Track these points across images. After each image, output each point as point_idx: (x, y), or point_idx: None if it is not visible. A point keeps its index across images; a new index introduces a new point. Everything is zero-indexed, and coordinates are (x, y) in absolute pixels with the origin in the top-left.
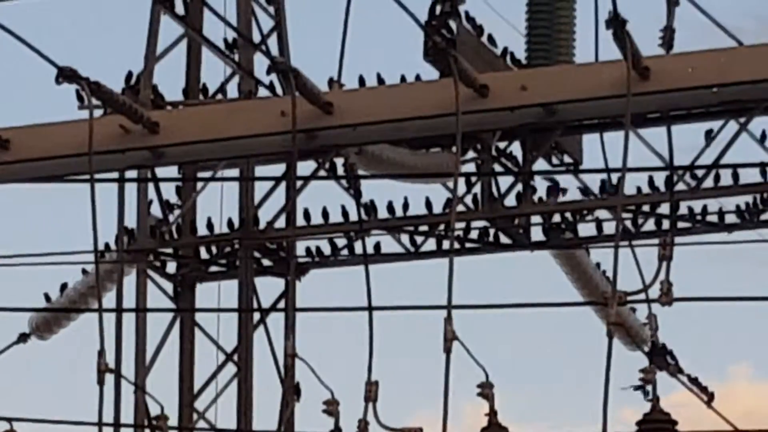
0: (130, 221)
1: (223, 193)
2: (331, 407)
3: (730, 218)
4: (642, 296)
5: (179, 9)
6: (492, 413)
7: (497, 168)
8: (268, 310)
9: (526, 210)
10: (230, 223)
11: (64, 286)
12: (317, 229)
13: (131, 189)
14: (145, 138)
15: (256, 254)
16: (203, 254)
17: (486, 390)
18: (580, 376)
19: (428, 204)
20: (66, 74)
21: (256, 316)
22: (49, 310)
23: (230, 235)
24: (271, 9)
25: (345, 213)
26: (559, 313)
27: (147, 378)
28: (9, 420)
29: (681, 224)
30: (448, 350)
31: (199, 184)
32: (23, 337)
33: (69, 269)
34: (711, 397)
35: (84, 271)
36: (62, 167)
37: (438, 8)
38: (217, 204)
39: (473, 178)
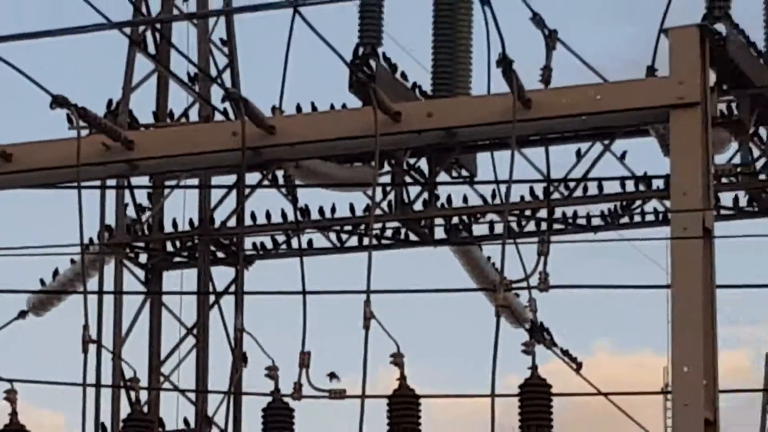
0: (110, 220)
1: (186, 198)
2: (272, 372)
3: (596, 221)
4: (524, 284)
5: (151, 49)
6: (402, 378)
7: (407, 179)
8: (221, 293)
9: (431, 213)
10: (191, 222)
11: (56, 273)
12: (261, 228)
13: (111, 194)
14: (123, 153)
15: (212, 248)
16: (169, 247)
17: (397, 359)
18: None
19: (352, 208)
20: (58, 101)
21: (212, 298)
22: (44, 292)
23: (191, 232)
24: (226, 49)
25: (284, 215)
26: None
27: (123, 348)
28: (10, 381)
29: (556, 226)
30: (366, 327)
31: (166, 191)
32: (22, 314)
33: (60, 259)
34: (579, 365)
35: (72, 261)
36: (55, 176)
37: (360, 50)
38: (180, 207)
39: (388, 188)
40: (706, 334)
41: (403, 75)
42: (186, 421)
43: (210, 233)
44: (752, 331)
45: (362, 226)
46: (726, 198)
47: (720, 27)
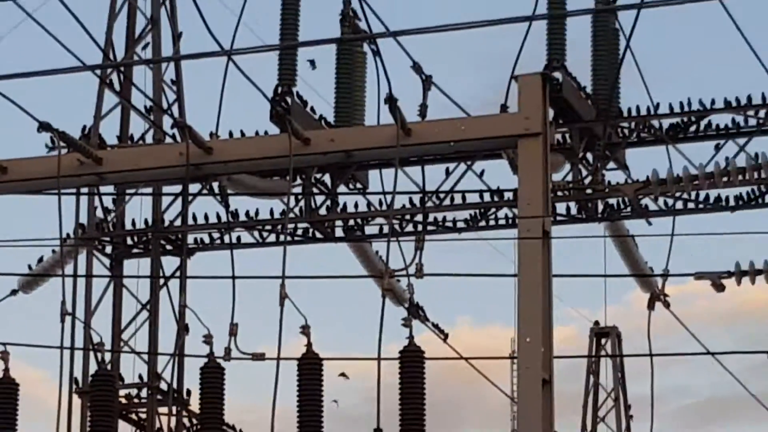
0: (83, 219)
1: (142, 203)
2: (208, 339)
3: (461, 224)
4: (404, 272)
5: (116, 86)
6: (309, 344)
7: (315, 190)
8: (168, 277)
9: (332, 217)
10: (146, 222)
11: (40, 260)
12: (200, 227)
13: (84, 199)
14: (93, 168)
15: (162, 242)
16: (129, 241)
17: (305, 330)
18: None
19: (271, 212)
20: (44, 126)
21: (162, 281)
22: (30, 275)
23: (145, 229)
24: (174, 87)
25: (218, 217)
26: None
27: (92, 319)
28: (3, 344)
29: (429, 228)
30: (281, 305)
31: (127, 197)
32: (14, 292)
33: (43, 249)
34: (446, 336)
35: (53, 251)
36: (40, 185)
37: (279, 89)
38: (137, 210)
39: (299, 197)
40: (543, 312)
41: (312, 109)
42: (140, 377)
43: (160, 231)
44: (579, 311)
45: (279, 226)
46: (560, 207)
47: (557, 75)
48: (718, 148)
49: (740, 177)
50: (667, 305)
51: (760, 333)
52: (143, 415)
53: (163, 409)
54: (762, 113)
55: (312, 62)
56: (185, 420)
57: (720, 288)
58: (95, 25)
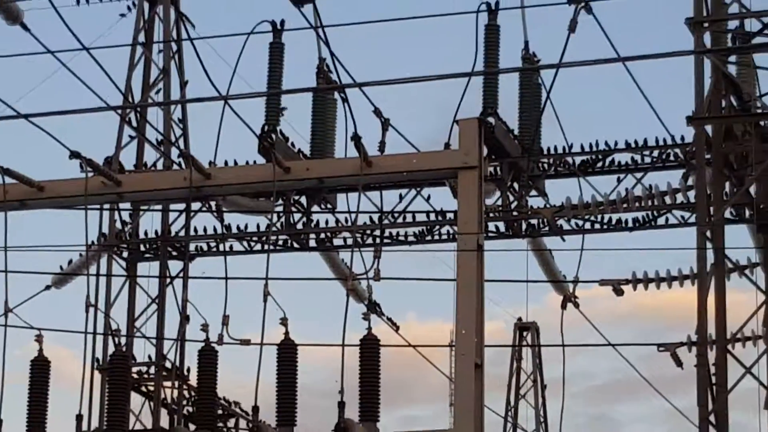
0: (105, 229)
1: (153, 217)
2: (204, 327)
3: (411, 238)
4: (365, 276)
5: (134, 123)
6: (286, 333)
7: (294, 209)
8: (173, 277)
9: (307, 230)
10: (156, 232)
11: (70, 261)
12: (200, 237)
13: (105, 213)
14: (114, 188)
15: (169, 249)
16: (141, 248)
17: (284, 321)
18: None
19: (257, 226)
20: (75, 154)
21: (168, 280)
22: (61, 273)
23: (155, 238)
24: (181, 124)
25: (215, 229)
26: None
27: (111, 310)
28: (39, 329)
29: (386, 240)
30: (265, 300)
31: (141, 212)
32: (47, 288)
33: (72, 253)
34: (397, 327)
35: (80, 255)
36: (71, 202)
37: (265, 127)
38: (149, 222)
39: (281, 214)
40: (476, 310)
41: (292, 144)
42: (149, 357)
43: (167, 240)
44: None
45: (264, 238)
46: (492, 226)
47: (491, 119)
48: (619, 180)
49: (637, 204)
50: (576, 305)
51: (650, 329)
52: (152, 388)
53: (168, 383)
54: (655, 153)
55: (283, 109)
56: (185, 392)
57: (619, 292)
58: (117, 72)
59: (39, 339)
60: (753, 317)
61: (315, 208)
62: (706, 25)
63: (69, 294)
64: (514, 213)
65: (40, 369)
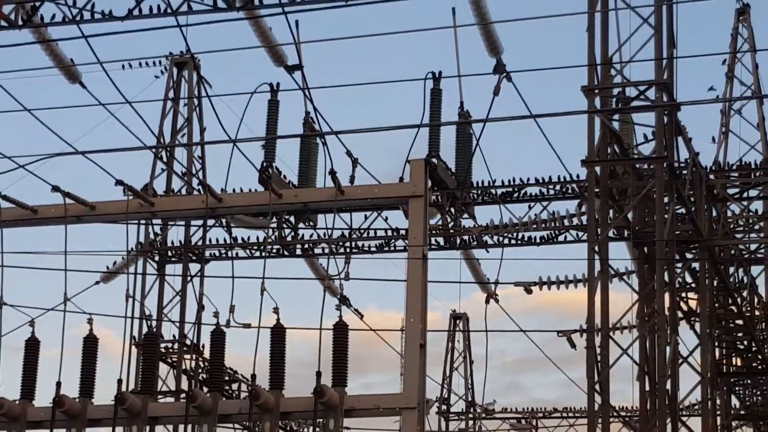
0: (141, 239)
1: (177, 231)
2: (216, 314)
3: (374, 249)
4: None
5: (164, 158)
6: (278, 320)
7: (284, 225)
8: (193, 276)
9: (295, 242)
10: (180, 242)
11: (114, 263)
12: (213, 246)
13: (142, 228)
14: (148, 208)
15: (189, 254)
16: (169, 254)
17: (276, 310)
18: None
19: (257, 238)
20: (119, 182)
21: (188, 278)
22: (108, 272)
23: (180, 246)
24: (200, 160)
25: (225, 240)
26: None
27: (145, 300)
28: (90, 314)
29: (354, 250)
30: (262, 294)
31: (169, 226)
32: (97, 283)
33: (116, 257)
34: (362, 316)
35: (122, 258)
36: (116, 218)
37: (264, 164)
38: (175, 235)
39: (275, 229)
40: (422, 303)
41: (284, 176)
42: (174, 336)
43: (188, 248)
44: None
45: (262, 247)
46: (434, 241)
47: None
48: (530, 207)
49: (543, 225)
50: (497, 301)
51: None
52: (175, 360)
53: (187, 356)
54: (557, 187)
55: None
56: (200, 363)
57: (529, 291)
58: (152, 119)
59: (90, 322)
60: (629, 312)
61: (301, 225)
62: (596, 91)
63: (113, 288)
64: (451, 231)
65: (90, 345)
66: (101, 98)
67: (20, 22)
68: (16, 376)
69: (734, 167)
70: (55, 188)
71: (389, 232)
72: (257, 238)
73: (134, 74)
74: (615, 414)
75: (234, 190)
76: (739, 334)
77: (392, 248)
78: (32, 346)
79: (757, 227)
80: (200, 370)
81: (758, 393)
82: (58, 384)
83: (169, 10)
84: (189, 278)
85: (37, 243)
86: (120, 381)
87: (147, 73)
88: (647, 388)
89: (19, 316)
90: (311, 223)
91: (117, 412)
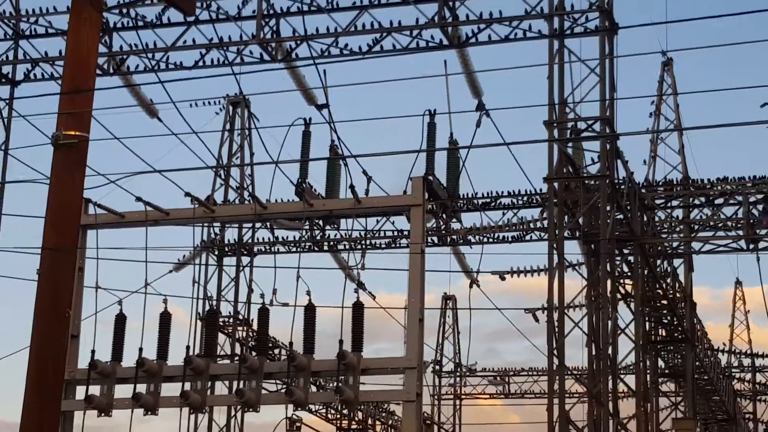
0: (205, 237)
1: (231, 231)
2: (262, 296)
3: (383, 245)
4: (357, 266)
5: (222, 175)
6: (309, 300)
7: (315, 228)
8: (245, 266)
9: (323, 240)
10: (234, 240)
11: (184, 256)
12: (260, 243)
13: (206, 229)
14: (210, 214)
15: (242, 250)
16: (226, 249)
17: (308, 293)
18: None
19: (294, 237)
20: (188, 194)
21: (241, 268)
22: (179, 263)
23: (235, 243)
24: (250, 178)
25: (269, 238)
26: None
27: (207, 285)
28: (165, 296)
29: (369, 247)
30: (297, 280)
31: (226, 228)
32: (170, 272)
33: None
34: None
35: (190, 252)
36: (185, 222)
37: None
38: (231, 234)
39: (308, 230)
40: (420, 287)
41: (315, 189)
42: (230, 312)
43: (241, 244)
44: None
45: (298, 244)
46: (429, 239)
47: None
48: (504, 213)
49: (514, 227)
50: (478, 286)
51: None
52: (230, 331)
53: (240, 328)
54: (525, 198)
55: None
56: (250, 333)
57: (503, 278)
58: (213, 145)
59: (165, 301)
60: (579, 294)
61: (327, 227)
62: (555, 125)
63: (183, 276)
64: (443, 232)
65: (165, 319)
66: (174, 129)
67: (111, 71)
68: (108, 343)
69: (660, 183)
70: (138, 198)
71: (395, 233)
72: (294, 237)
73: (199, 111)
74: (569, 373)
75: (276, 201)
76: (664, 312)
77: (398, 245)
78: (120, 321)
79: (678, 229)
80: (250, 339)
81: (678, 356)
82: (140, 350)
83: (226, 62)
84: (241, 268)
85: (124, 241)
86: (188, 347)
87: (209, 110)
88: (593, 352)
89: (111, 298)
90: (335, 226)
91: (186, 371)
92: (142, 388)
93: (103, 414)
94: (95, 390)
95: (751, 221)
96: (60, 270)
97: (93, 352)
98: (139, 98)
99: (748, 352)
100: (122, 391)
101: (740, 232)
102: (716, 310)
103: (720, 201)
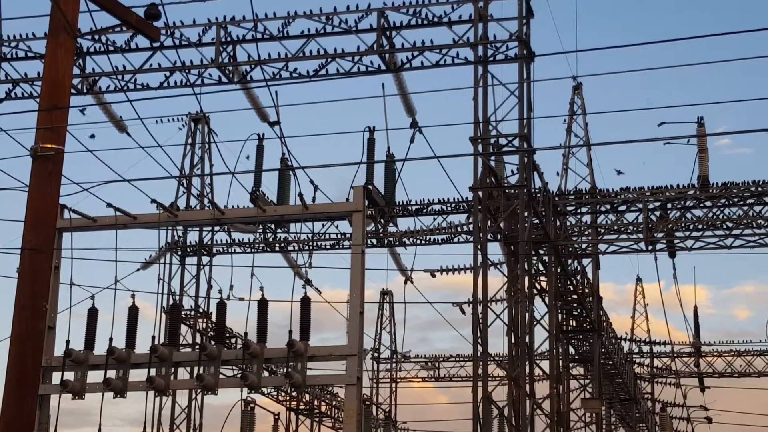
0: (169, 239)
1: (194, 233)
2: (220, 292)
3: (327, 247)
4: (305, 266)
5: (184, 184)
6: (263, 295)
7: (268, 231)
8: (205, 265)
9: (275, 242)
10: (195, 242)
11: (150, 256)
12: (219, 245)
13: (169, 232)
14: (174, 219)
15: (202, 250)
16: (188, 250)
17: (262, 289)
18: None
19: (249, 239)
20: (153, 200)
21: (202, 267)
22: (146, 262)
23: (196, 245)
24: (210, 186)
25: (227, 240)
26: (282, 270)
27: (171, 282)
28: (133, 291)
29: (315, 248)
30: (251, 278)
31: (188, 231)
32: (138, 270)
33: (151, 252)
34: (320, 292)
35: (155, 252)
36: (151, 225)
37: (254, 188)
38: (192, 236)
39: (261, 233)
40: (360, 283)
41: (267, 197)
42: (191, 306)
43: (201, 246)
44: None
45: (252, 245)
46: (369, 241)
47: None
48: (434, 219)
49: (444, 231)
50: (412, 282)
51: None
52: (191, 323)
53: (200, 320)
54: (453, 205)
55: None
56: (210, 325)
57: (434, 276)
58: (176, 157)
59: (133, 297)
60: (500, 289)
61: (278, 230)
62: (479, 140)
63: (149, 274)
64: (381, 234)
65: (133, 312)
66: (141, 143)
67: (84, 90)
68: (82, 334)
69: (571, 192)
70: (109, 205)
71: (339, 236)
72: (248, 239)
73: (164, 127)
74: (491, 359)
75: (233, 207)
76: (574, 305)
77: (341, 246)
78: (93, 314)
79: (586, 233)
80: (209, 330)
81: (586, 344)
82: (111, 339)
83: (188, 83)
84: (202, 267)
85: (96, 243)
86: (153, 337)
87: (173, 126)
88: (513, 341)
89: (84, 293)
90: (286, 229)
91: (151, 359)
92: (112, 373)
93: (76, 397)
94: (70, 376)
95: (650, 226)
96: (38, 268)
97: (68, 341)
98: (109, 115)
99: (647, 340)
100: (94, 376)
101: (640, 236)
102: (619, 304)
103: (623, 208)
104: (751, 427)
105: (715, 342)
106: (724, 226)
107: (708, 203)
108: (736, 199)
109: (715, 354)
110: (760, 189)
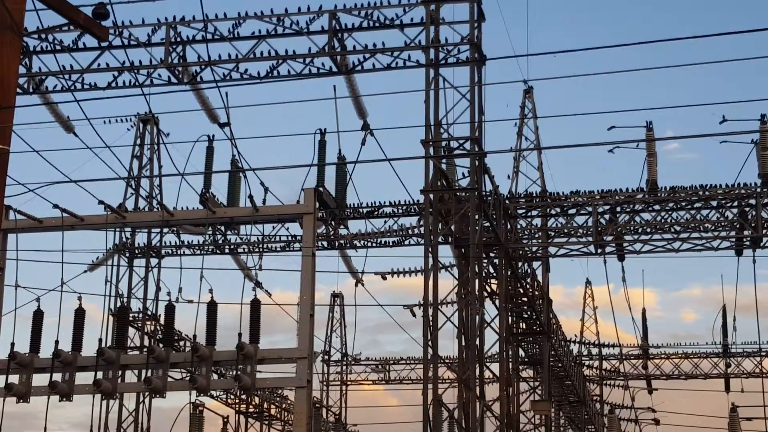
0: (117, 241)
1: (143, 235)
2: (169, 294)
3: (278, 249)
4: (254, 268)
5: (133, 185)
6: (212, 297)
7: (218, 232)
8: (153, 267)
9: (225, 244)
10: (144, 243)
11: (98, 257)
12: (168, 246)
13: (117, 233)
14: (122, 220)
15: (151, 252)
16: (136, 252)
17: (211, 291)
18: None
19: (199, 241)
20: (101, 202)
21: (150, 269)
22: (93, 264)
23: (144, 246)
24: (159, 188)
25: (176, 242)
26: (233, 272)
27: (119, 284)
28: (80, 293)
29: (266, 251)
30: (201, 280)
31: (137, 232)
32: (85, 271)
33: (99, 253)
34: (270, 294)
35: (103, 254)
36: (99, 226)
37: (204, 190)
38: (141, 238)
39: (211, 235)
40: (311, 286)
41: (217, 199)
42: (139, 309)
43: (150, 247)
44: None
45: (202, 247)
46: (320, 243)
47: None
48: (385, 221)
49: (395, 233)
50: (362, 284)
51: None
52: (139, 325)
53: (148, 323)
54: (405, 207)
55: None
56: (158, 327)
57: (384, 278)
58: (125, 159)
59: (80, 299)
60: (451, 292)
61: (228, 232)
62: (431, 143)
63: (96, 275)
64: (332, 237)
65: (80, 315)
66: (89, 143)
67: (31, 90)
68: (27, 336)
69: (522, 195)
70: (55, 206)
71: (289, 238)
72: (198, 241)
73: (112, 127)
74: (442, 361)
75: (182, 208)
76: (524, 307)
77: (291, 249)
78: (38, 316)
79: (536, 236)
80: (157, 332)
81: (536, 346)
82: (56, 342)
83: (137, 83)
84: (150, 269)
85: (42, 244)
86: (101, 340)
87: (121, 127)
88: (463, 343)
89: (30, 296)
90: (236, 231)
91: (98, 362)
92: (58, 377)
93: (21, 400)
94: (14, 379)
95: (600, 229)
96: None
97: (12, 344)
98: (56, 115)
99: (596, 342)
100: (39, 379)
101: (590, 239)
102: (569, 306)
103: (573, 211)
104: (698, 429)
105: (663, 344)
106: (672, 230)
107: (656, 207)
108: (683, 203)
109: (662, 356)
110: (707, 193)
